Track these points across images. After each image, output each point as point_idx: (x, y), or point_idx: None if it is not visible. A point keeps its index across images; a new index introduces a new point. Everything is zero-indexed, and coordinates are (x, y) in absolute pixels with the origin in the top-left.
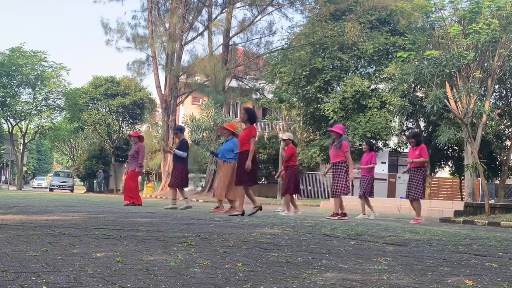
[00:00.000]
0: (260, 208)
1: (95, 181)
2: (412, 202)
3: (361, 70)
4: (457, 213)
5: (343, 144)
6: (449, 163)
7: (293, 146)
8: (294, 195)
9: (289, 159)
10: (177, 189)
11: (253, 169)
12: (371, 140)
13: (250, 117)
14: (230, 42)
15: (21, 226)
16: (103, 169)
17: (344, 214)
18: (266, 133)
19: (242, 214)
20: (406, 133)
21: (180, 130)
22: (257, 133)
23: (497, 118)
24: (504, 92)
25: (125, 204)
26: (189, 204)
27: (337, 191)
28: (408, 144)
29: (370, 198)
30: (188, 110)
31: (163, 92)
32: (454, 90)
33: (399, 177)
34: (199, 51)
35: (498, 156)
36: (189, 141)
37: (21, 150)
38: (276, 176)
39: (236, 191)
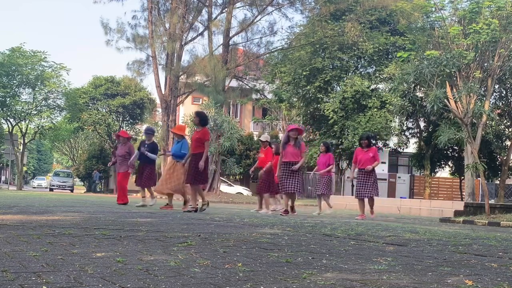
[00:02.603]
0: (196, 210)
1: None
2: (362, 200)
3: (361, 70)
4: (457, 213)
5: (302, 144)
6: (449, 163)
7: (270, 149)
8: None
9: (266, 161)
10: (146, 188)
11: (205, 170)
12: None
13: (202, 120)
14: (230, 42)
15: (21, 226)
16: (101, 169)
17: (286, 211)
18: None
19: (196, 210)
20: (407, 133)
21: (152, 132)
22: (210, 136)
23: (497, 118)
24: (504, 92)
25: (119, 203)
26: (145, 203)
27: (293, 188)
28: (407, 144)
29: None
30: (188, 110)
31: (163, 92)
32: (454, 90)
33: (399, 177)
34: (199, 51)
35: (498, 156)
36: (189, 141)
37: (21, 150)
38: (250, 171)
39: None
